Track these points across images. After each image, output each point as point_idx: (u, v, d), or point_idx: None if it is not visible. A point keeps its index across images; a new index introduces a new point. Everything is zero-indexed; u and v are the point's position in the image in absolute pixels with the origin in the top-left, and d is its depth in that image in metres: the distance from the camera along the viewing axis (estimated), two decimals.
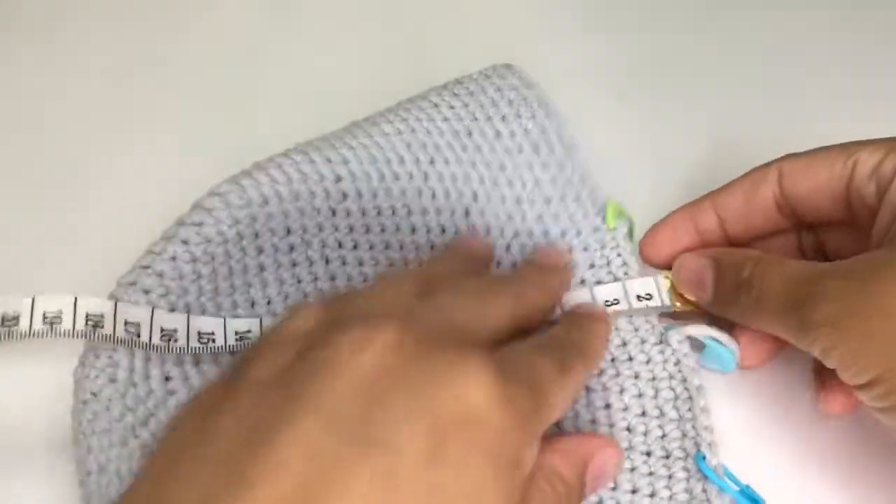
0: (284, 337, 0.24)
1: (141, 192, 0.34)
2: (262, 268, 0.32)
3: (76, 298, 0.28)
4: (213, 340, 0.29)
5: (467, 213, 0.34)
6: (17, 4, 0.41)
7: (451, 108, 0.36)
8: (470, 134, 0.35)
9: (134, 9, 0.42)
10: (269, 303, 0.32)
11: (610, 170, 0.34)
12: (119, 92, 0.39)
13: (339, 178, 0.33)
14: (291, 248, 0.32)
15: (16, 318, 0.27)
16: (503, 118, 0.36)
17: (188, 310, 0.30)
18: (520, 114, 0.36)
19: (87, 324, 0.27)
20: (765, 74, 0.43)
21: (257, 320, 0.31)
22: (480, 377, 0.22)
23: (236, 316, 0.31)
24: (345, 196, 0.33)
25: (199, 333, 0.29)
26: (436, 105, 0.36)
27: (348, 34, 0.43)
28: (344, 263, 0.33)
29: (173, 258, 0.30)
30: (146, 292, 0.29)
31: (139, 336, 0.28)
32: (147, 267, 0.30)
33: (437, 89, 0.36)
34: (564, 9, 0.44)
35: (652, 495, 0.29)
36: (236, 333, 0.30)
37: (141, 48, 0.41)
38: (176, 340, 0.29)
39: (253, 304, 0.31)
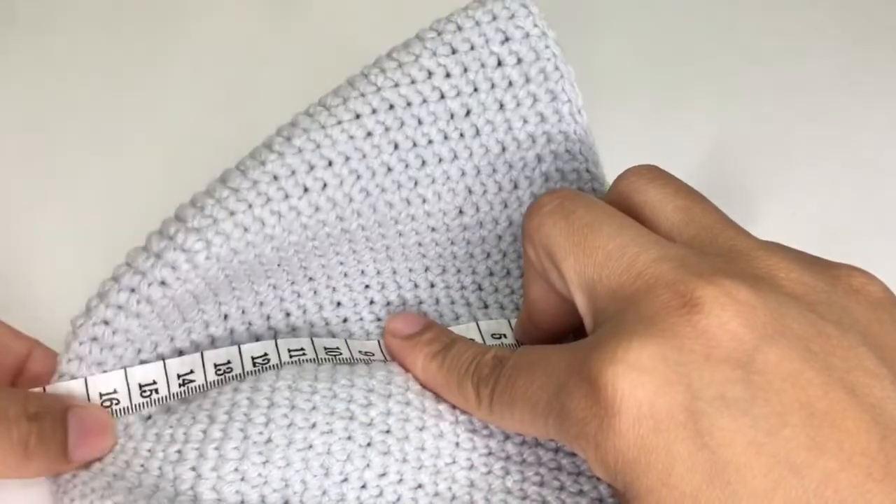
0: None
1: (140, 192, 0.34)
2: (232, 283, 0.29)
3: None
4: (193, 380, 0.28)
5: (461, 213, 0.31)
6: (16, 5, 0.42)
7: (448, 76, 0.29)
8: (468, 114, 0.29)
9: (132, 9, 0.43)
10: (243, 312, 0.30)
11: (609, 170, 0.31)
12: (117, 92, 0.39)
13: (325, 186, 0.28)
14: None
15: None
16: (510, 84, 0.30)
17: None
18: (531, 87, 0.30)
19: None
20: (765, 75, 0.43)
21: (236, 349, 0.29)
22: None
23: (208, 330, 0.29)
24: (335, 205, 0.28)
25: (178, 375, 0.28)
26: (430, 74, 0.29)
27: (347, 34, 0.42)
28: (323, 266, 0.30)
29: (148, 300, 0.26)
30: (106, 323, 0.27)
31: (118, 403, 0.27)
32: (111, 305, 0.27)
33: (431, 42, 0.29)
34: (564, 9, 0.41)
35: None
36: (215, 366, 0.29)
37: (139, 49, 0.41)
38: (157, 392, 0.28)
39: (226, 318, 0.29)
